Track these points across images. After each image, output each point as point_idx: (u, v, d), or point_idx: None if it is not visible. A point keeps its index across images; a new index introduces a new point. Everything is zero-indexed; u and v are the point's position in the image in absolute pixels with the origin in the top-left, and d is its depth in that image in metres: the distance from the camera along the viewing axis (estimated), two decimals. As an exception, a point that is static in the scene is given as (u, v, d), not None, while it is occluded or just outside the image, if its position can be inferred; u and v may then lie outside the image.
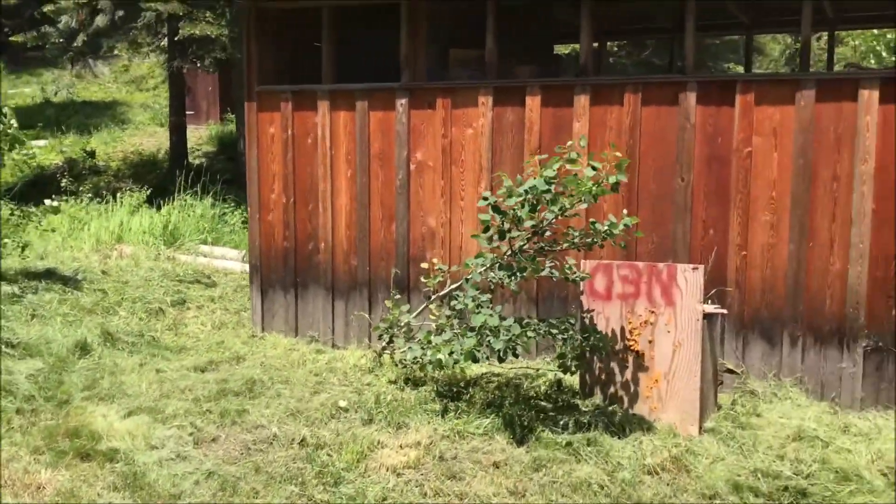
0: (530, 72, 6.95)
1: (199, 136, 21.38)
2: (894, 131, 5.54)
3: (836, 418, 5.53)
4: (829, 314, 5.79)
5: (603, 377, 5.56)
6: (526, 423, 5.11)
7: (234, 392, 5.79)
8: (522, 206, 5.05)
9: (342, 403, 5.54)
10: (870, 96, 5.57)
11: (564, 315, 6.00)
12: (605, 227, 5.23)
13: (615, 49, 16.48)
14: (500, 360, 5.01)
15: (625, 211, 5.46)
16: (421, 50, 6.97)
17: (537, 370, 6.25)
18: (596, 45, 11.27)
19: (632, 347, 5.42)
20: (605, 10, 8.08)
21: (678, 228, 6.14)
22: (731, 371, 6.05)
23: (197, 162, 18.45)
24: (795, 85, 5.78)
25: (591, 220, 5.45)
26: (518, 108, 6.55)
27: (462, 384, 5.91)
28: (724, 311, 5.58)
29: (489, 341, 5.06)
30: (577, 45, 12.46)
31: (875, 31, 13.60)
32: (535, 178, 5.10)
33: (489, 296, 5.49)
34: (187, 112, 21.10)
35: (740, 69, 16.08)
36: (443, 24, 7.37)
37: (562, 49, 13.91)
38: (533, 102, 6.47)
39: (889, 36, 16.82)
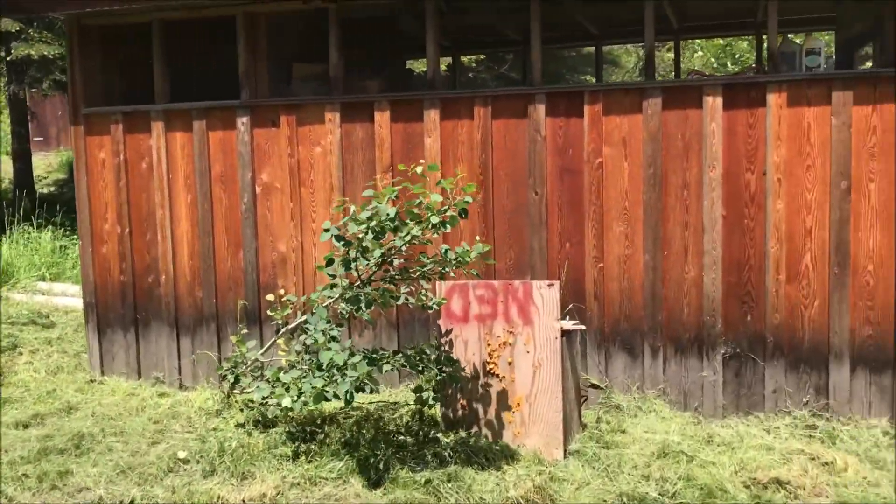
0: (378, 86, 6.66)
1: (49, 164, 20.03)
2: (739, 137, 5.56)
3: (700, 428, 5.47)
4: (687, 323, 5.74)
5: (464, 405, 5.29)
6: (383, 463, 4.75)
7: (58, 450, 5.16)
8: (367, 234, 4.71)
9: (182, 454, 5.02)
10: (714, 103, 5.56)
11: (427, 339, 5.69)
12: (456, 256, 4.99)
13: (474, 64, 16.47)
14: (347, 403, 4.63)
15: (478, 238, 5.21)
16: (262, 65, 6.55)
17: (396, 403, 5.91)
18: (451, 59, 11.19)
19: (492, 371, 5.17)
20: (451, 23, 7.89)
21: (535, 242, 5.96)
22: (595, 386, 5.91)
23: (45, 191, 17.21)
24: (641, 93, 5.72)
25: (443, 245, 5.18)
26: (367, 125, 6.22)
27: (318, 422, 5.50)
28: (583, 327, 5.43)
29: (336, 381, 4.68)
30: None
31: (721, 41, 14.21)
32: (379, 203, 4.78)
33: (340, 328, 5.12)
34: (35, 138, 19.71)
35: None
36: (285, 37, 6.97)
37: (420, 65, 13.76)
38: (382, 118, 6.16)
39: (741, 44, 17.63)
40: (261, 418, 5.50)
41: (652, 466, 4.79)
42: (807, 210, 5.47)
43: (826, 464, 4.84)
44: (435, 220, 4.73)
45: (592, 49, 12.61)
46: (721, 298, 5.65)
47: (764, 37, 8.35)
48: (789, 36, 7.83)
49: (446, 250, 5.06)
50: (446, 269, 5.07)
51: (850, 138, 5.36)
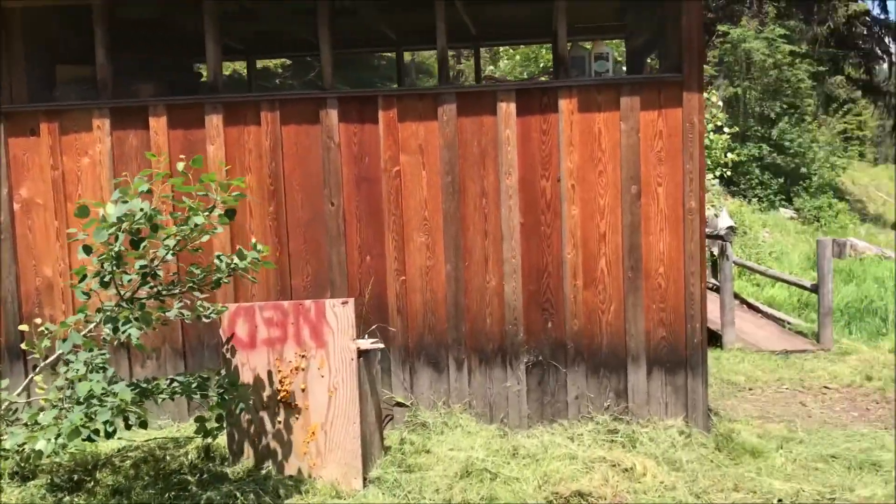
0: (154, 90, 6.06)
1: None
2: (534, 143, 5.49)
3: (506, 441, 5.33)
4: (490, 333, 5.60)
5: (254, 437, 4.84)
6: (159, 510, 4.23)
7: None
8: (117, 239, 4.05)
9: (-88, 524, 4.25)
10: (508, 108, 5.47)
11: (217, 366, 5.19)
12: (229, 262, 4.47)
13: (280, 70, 15.90)
14: (108, 436, 4.04)
15: (253, 239, 4.73)
16: (18, 66, 5.78)
17: (182, 438, 5.36)
18: (245, 62, 10.58)
19: (283, 399, 4.76)
20: (241, 26, 7.38)
21: (334, 256, 5.62)
22: (400, 404, 5.65)
23: None
24: (436, 99, 5.53)
25: (217, 252, 4.66)
26: (142, 132, 5.63)
27: (90, 467, 4.86)
28: (381, 346, 5.14)
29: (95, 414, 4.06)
30: (243, 62, 11.67)
31: (526, 49, 14.52)
32: (127, 200, 4.11)
33: (104, 356, 4.46)
34: None
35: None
36: (47, 35, 6.21)
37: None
38: (158, 124, 5.60)
39: (548, 54, 18.14)
40: (19, 469, 4.78)
41: (454, 489, 4.58)
42: (600, 215, 5.49)
43: (626, 470, 4.83)
44: (199, 220, 4.18)
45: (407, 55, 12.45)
46: (522, 307, 5.55)
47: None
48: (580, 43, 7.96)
49: (219, 256, 4.54)
50: (221, 278, 4.53)
51: (638, 143, 5.42)
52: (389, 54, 15.23)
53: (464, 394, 5.64)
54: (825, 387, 7.72)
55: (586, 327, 5.54)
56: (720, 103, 15.18)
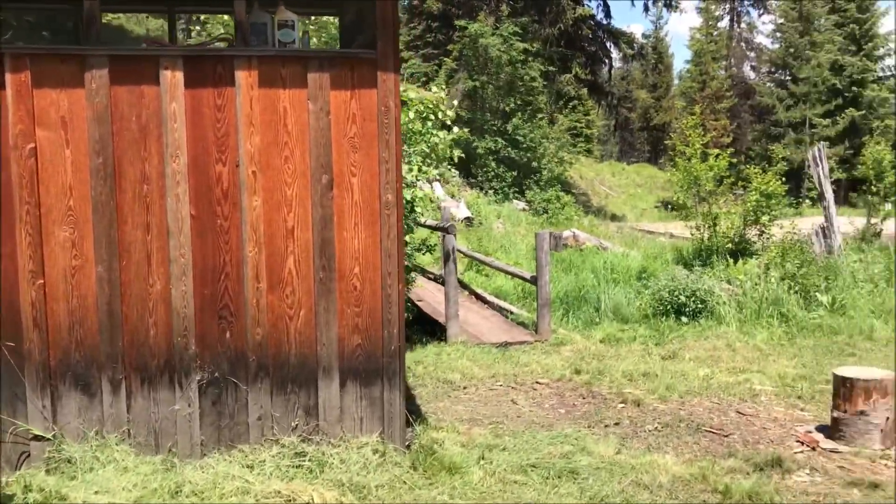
0: None
1: None
2: (207, 121, 4.64)
3: (172, 476, 4.47)
4: (155, 347, 4.69)
5: None
6: None
7: None
8: None
9: None
10: (174, 78, 4.57)
11: None
12: None
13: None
14: None
15: None
16: None
17: None
18: None
19: None
20: None
21: (-56, 256, 4.40)
22: (39, 438, 4.57)
23: None
24: (83, 63, 4.49)
25: None
26: None
27: None
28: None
29: None
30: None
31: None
32: None
33: None
34: None
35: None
36: None
37: None
38: None
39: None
40: None
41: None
42: (287, 208, 4.77)
43: (305, 504, 4.18)
44: None
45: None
46: (195, 314, 4.70)
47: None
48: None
49: None
50: None
51: (329, 126, 4.77)
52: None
53: (122, 421, 4.67)
54: (537, 382, 7.66)
55: (272, 336, 4.81)
56: (455, 101, 15.17)
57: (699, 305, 10.54)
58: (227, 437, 4.79)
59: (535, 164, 25.98)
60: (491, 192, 25.22)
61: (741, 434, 6.00)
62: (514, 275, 11.05)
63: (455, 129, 9.95)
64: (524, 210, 25.05)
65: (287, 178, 4.75)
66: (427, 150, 8.98)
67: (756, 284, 11.23)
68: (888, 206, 17.46)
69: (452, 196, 24.05)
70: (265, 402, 4.81)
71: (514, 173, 25.74)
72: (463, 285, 13.34)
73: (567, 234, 18.38)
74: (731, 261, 14.41)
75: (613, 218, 30.59)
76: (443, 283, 12.26)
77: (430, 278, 13.42)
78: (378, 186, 4.82)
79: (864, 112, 46.09)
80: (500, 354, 8.76)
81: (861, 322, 9.94)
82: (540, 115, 27.25)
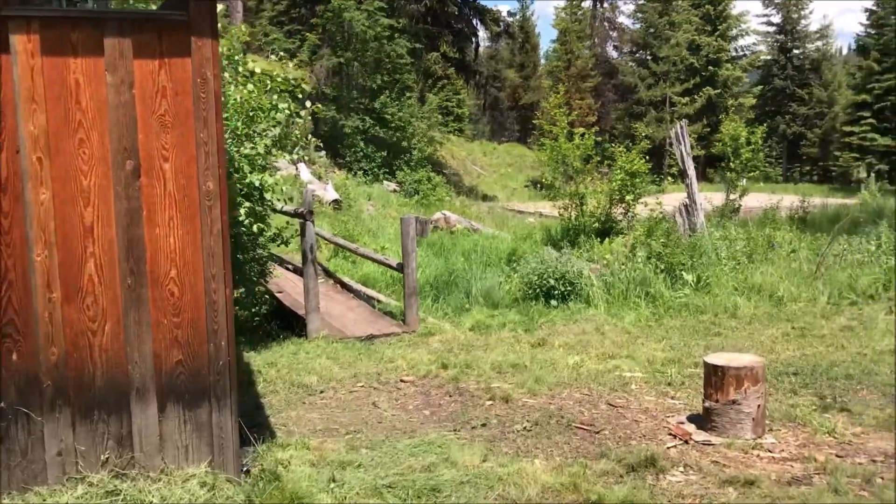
0: None
1: None
2: (-25, 96, 3.77)
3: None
4: (-83, 377, 3.80)
5: None
6: None
7: None
8: None
9: None
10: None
11: None
12: None
13: None
14: None
15: None
16: None
17: None
18: None
19: None
20: None
21: None
22: None
23: None
24: None
25: None
26: None
27: None
28: None
29: None
30: None
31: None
32: None
33: None
34: None
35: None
36: None
37: None
38: None
39: None
40: None
41: None
42: (85, 201, 3.97)
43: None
44: None
45: None
46: (-34, 334, 3.84)
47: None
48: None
49: None
50: None
51: (133, 102, 3.99)
52: None
53: None
54: (402, 380, 7.12)
55: (71, 356, 4.00)
56: (320, 78, 14.36)
57: (568, 288, 10.31)
58: (18, 478, 3.96)
59: (404, 143, 25.42)
60: (360, 172, 24.49)
61: (612, 429, 5.67)
62: (379, 262, 10.47)
63: (308, 103, 9.21)
64: (395, 192, 24.48)
65: (83, 166, 3.94)
66: (277, 131, 8.21)
67: (623, 265, 11.14)
68: (744, 182, 17.98)
69: (320, 178, 23.16)
70: (66, 434, 4.01)
71: (384, 153, 25.09)
72: (328, 273, 12.65)
73: (438, 217, 17.97)
74: (598, 240, 14.39)
75: (485, 198, 30.53)
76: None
77: (288, 269, 12.65)
78: (196, 173, 4.09)
79: (719, 91, 48.27)
80: (364, 350, 8.16)
81: (725, 300, 9.97)
82: (408, 94, 26.65)
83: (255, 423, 5.51)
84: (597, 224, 15.47)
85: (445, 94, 40.66)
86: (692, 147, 14.96)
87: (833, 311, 9.59)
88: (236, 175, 7.40)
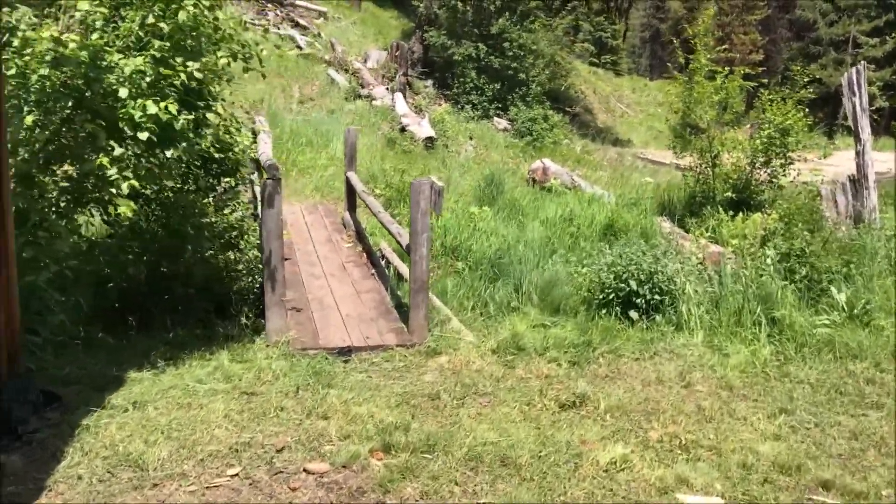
0: None
1: None
2: None
3: None
4: None
5: None
6: None
7: None
8: None
9: None
10: None
11: None
12: None
13: None
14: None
15: None
16: None
17: None
18: None
19: None
20: None
21: None
22: None
23: None
24: None
25: None
26: None
27: None
28: None
29: None
30: None
31: None
32: None
33: None
34: None
35: None
36: None
37: None
38: None
39: None
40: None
41: None
42: None
43: None
44: None
45: None
46: None
47: None
48: None
49: None
50: None
51: None
52: None
53: None
54: (305, 469, 4.42)
55: None
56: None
57: (657, 297, 7.14)
58: None
59: (522, 75, 22.02)
60: (469, 107, 21.45)
61: None
62: (391, 234, 7.70)
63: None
64: (505, 130, 21.32)
65: None
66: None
67: (746, 261, 7.79)
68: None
69: (420, 111, 20.36)
70: None
71: (498, 86, 21.85)
72: (360, 237, 10.00)
73: (536, 166, 14.81)
74: (729, 214, 10.91)
75: (616, 142, 26.66)
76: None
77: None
78: None
79: (918, 31, 40.99)
80: (314, 380, 5.49)
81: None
82: (532, 18, 23.06)
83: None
84: (730, 193, 11.91)
85: (600, 22, 36.56)
86: (872, 98, 10.98)
87: None
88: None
